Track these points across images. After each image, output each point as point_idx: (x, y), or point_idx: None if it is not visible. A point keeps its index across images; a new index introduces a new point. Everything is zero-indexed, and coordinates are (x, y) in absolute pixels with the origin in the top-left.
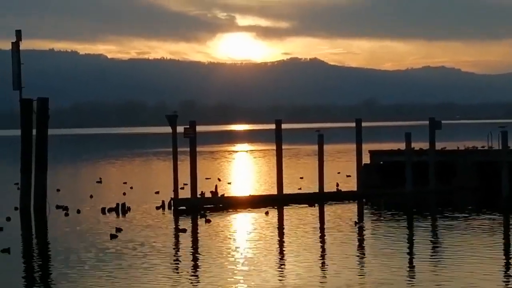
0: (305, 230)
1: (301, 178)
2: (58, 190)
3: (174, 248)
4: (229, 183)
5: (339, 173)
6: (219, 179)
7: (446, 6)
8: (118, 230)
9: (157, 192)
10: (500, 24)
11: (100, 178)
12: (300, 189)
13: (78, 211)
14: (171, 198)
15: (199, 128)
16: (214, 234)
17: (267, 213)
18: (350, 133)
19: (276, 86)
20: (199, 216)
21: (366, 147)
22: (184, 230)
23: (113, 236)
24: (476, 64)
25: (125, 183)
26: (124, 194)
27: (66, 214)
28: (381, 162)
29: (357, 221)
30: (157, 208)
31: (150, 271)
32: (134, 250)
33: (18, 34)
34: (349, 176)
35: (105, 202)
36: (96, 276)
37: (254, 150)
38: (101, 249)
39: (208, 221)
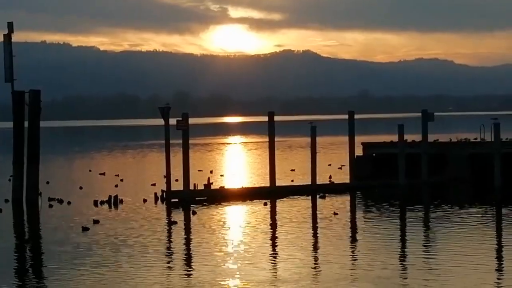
0: (297, 222)
1: (293, 170)
2: (47, 182)
3: (164, 241)
4: (221, 175)
5: (329, 165)
6: (211, 172)
7: None
8: (96, 221)
9: (154, 184)
10: (493, 16)
11: (104, 172)
12: (292, 181)
13: (69, 203)
14: (162, 190)
15: (191, 120)
16: (205, 227)
17: (265, 203)
18: (343, 125)
19: (269, 78)
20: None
21: (359, 139)
22: (175, 222)
23: (84, 229)
24: (469, 56)
25: (117, 175)
26: (116, 186)
27: (50, 206)
28: (374, 154)
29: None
30: (144, 201)
31: (139, 264)
32: (121, 242)
33: (10, 26)
34: (341, 167)
35: (97, 194)
36: (82, 271)
37: (247, 142)
38: (87, 242)
39: (194, 212)
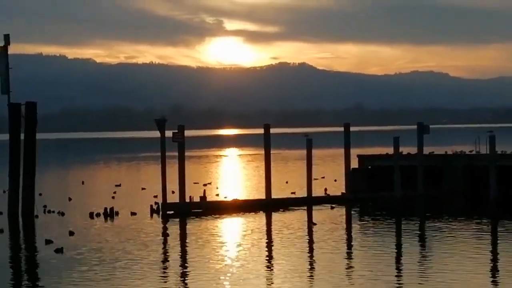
0: (293, 234)
1: (286, 182)
2: (40, 194)
3: (159, 254)
4: (217, 188)
5: (323, 177)
6: (204, 185)
7: (433, 11)
8: (71, 233)
9: (156, 196)
10: (488, 29)
11: (120, 183)
12: (294, 193)
13: (62, 214)
14: (155, 202)
15: (187, 133)
16: (201, 239)
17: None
18: (339, 138)
19: (265, 90)
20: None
21: (354, 151)
22: (168, 235)
23: (48, 242)
24: (464, 69)
25: (118, 185)
26: (113, 197)
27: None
28: (369, 167)
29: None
30: (132, 214)
31: (132, 277)
32: (118, 257)
33: (6, 38)
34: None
35: (92, 206)
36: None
37: (243, 155)
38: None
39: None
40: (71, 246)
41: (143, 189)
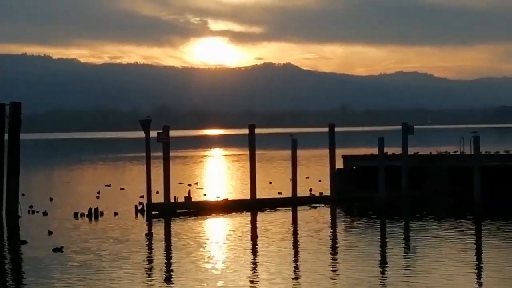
0: (278, 235)
1: (270, 183)
2: (23, 194)
3: (143, 254)
4: (202, 188)
5: (307, 178)
6: (189, 185)
7: (418, 12)
8: (50, 233)
9: (142, 196)
10: (473, 30)
11: (110, 184)
12: (280, 193)
13: (46, 213)
14: (139, 203)
15: (172, 133)
16: (186, 240)
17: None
18: (323, 138)
19: (250, 91)
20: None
21: (339, 152)
22: (153, 235)
23: (22, 242)
24: (448, 69)
25: (108, 185)
26: (98, 197)
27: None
28: (354, 167)
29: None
30: (115, 214)
31: (117, 278)
32: (100, 257)
33: None
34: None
35: (77, 206)
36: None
37: (228, 155)
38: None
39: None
40: (49, 246)
41: (121, 189)
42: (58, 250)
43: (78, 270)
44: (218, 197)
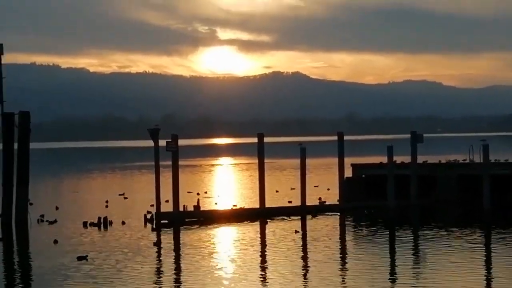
0: (287, 244)
1: (277, 191)
2: (31, 203)
3: (152, 263)
4: (211, 197)
5: (316, 186)
6: (198, 193)
7: (426, 20)
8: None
9: (153, 205)
10: (481, 38)
11: (124, 193)
12: (290, 202)
13: (53, 222)
14: (147, 212)
15: (181, 142)
16: (195, 249)
17: (296, 231)
18: (332, 147)
19: (259, 100)
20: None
21: (348, 160)
22: (162, 244)
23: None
24: (457, 78)
25: (122, 194)
26: (106, 206)
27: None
28: (363, 176)
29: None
30: (123, 223)
31: (126, 285)
32: (108, 266)
33: (0, 48)
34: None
35: (86, 215)
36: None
37: (237, 164)
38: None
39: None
40: (54, 254)
41: (125, 198)
42: (83, 258)
43: (84, 280)
44: (235, 205)
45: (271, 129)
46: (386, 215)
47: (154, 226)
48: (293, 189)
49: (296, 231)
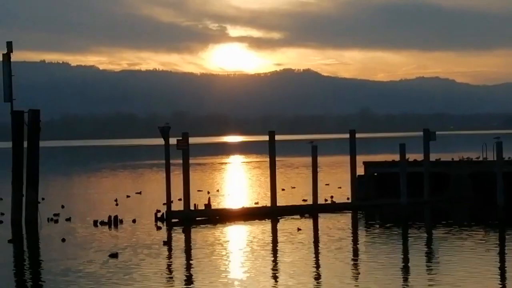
0: (299, 242)
1: (283, 189)
2: (38, 202)
3: (163, 262)
4: (222, 195)
5: (327, 184)
6: (208, 192)
7: (439, 17)
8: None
9: (165, 204)
10: (494, 35)
11: (140, 191)
12: (305, 200)
13: (56, 221)
14: (157, 210)
15: (191, 140)
16: (206, 247)
17: (299, 229)
18: (344, 144)
19: (269, 97)
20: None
21: (360, 158)
22: (173, 243)
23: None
24: (470, 75)
25: (138, 192)
26: (117, 205)
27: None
28: (375, 174)
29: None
30: (134, 221)
31: (137, 283)
32: (122, 263)
33: (9, 45)
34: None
35: (96, 214)
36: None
37: (247, 162)
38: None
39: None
40: (60, 253)
41: (127, 196)
42: (114, 256)
43: (95, 279)
44: (256, 203)
45: (282, 126)
46: (399, 213)
47: (165, 225)
48: (294, 188)
49: (299, 229)
